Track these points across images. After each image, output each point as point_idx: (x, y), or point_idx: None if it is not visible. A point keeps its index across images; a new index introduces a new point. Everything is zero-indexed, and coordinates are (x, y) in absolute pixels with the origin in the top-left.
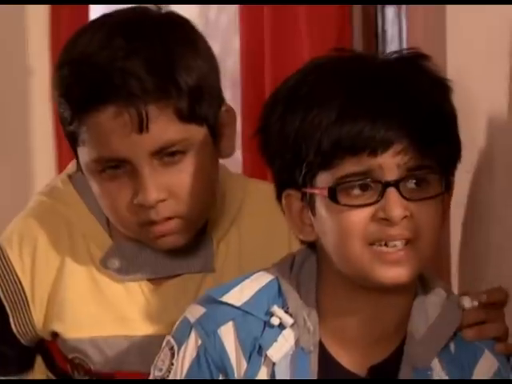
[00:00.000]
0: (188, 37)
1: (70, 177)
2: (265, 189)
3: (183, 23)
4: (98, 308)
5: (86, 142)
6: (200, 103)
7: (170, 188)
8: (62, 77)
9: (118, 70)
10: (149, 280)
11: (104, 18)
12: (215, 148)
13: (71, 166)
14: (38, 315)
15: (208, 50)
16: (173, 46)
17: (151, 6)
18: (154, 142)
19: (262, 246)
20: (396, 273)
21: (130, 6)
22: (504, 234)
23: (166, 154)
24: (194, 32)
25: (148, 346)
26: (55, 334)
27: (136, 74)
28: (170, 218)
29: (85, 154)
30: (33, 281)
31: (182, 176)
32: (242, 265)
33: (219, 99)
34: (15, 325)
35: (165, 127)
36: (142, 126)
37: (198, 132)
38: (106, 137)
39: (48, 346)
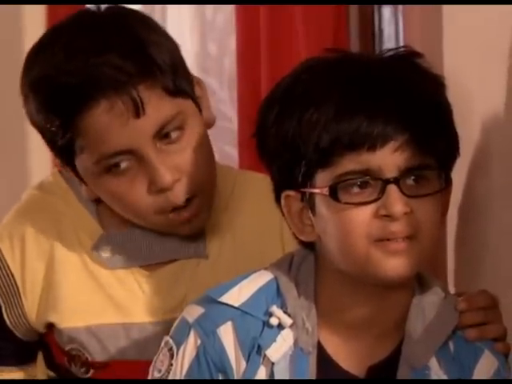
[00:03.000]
0: (143, 19)
1: (60, 170)
2: (255, 177)
3: (130, 10)
4: (92, 296)
5: (84, 146)
6: (179, 77)
7: (179, 166)
8: (40, 95)
9: (96, 66)
10: (141, 267)
11: (54, 31)
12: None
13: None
14: (29, 306)
15: (162, 28)
16: (135, 29)
17: (92, 7)
18: (153, 123)
19: (254, 233)
20: (397, 263)
21: (73, 14)
22: (500, 233)
23: (166, 133)
24: (144, 15)
25: (143, 334)
26: (50, 326)
27: (114, 63)
28: (190, 199)
29: (85, 159)
30: (23, 272)
31: (187, 152)
32: (237, 252)
33: (189, 73)
34: (8, 316)
35: (158, 105)
36: (138, 110)
37: (186, 105)
38: (105, 132)
39: (46, 340)
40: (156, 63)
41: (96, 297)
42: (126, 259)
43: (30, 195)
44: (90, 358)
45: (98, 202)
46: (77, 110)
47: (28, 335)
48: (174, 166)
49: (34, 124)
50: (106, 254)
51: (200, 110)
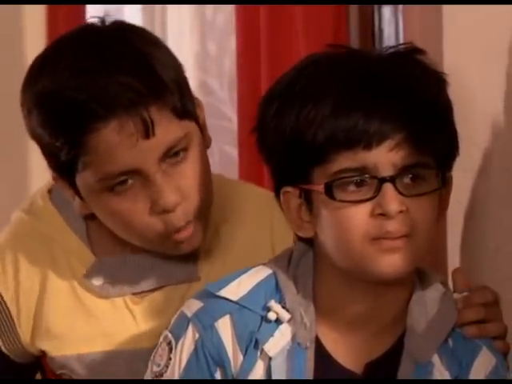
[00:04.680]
0: (147, 37)
1: (49, 192)
2: (245, 191)
3: (135, 27)
4: (83, 324)
5: (88, 164)
6: (185, 98)
7: (182, 189)
8: (45, 110)
9: (104, 85)
10: (133, 294)
11: (58, 46)
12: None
13: (51, 180)
14: (24, 334)
15: (167, 46)
16: (141, 48)
17: (95, 21)
18: (162, 145)
19: (245, 250)
20: (392, 260)
21: (77, 28)
22: (500, 234)
23: (172, 154)
24: (148, 32)
25: (135, 361)
26: (43, 351)
27: (124, 83)
28: (189, 221)
29: (88, 176)
30: (18, 301)
31: (190, 174)
32: (227, 271)
33: (192, 93)
34: (4, 344)
35: (167, 127)
36: (148, 132)
37: (192, 127)
38: (112, 151)
39: (40, 362)
40: (165, 84)
41: (87, 325)
42: (119, 287)
43: (19, 219)
44: None
45: (88, 219)
46: (85, 127)
47: (22, 357)
48: (177, 188)
49: (35, 138)
50: (98, 282)
51: (202, 132)
